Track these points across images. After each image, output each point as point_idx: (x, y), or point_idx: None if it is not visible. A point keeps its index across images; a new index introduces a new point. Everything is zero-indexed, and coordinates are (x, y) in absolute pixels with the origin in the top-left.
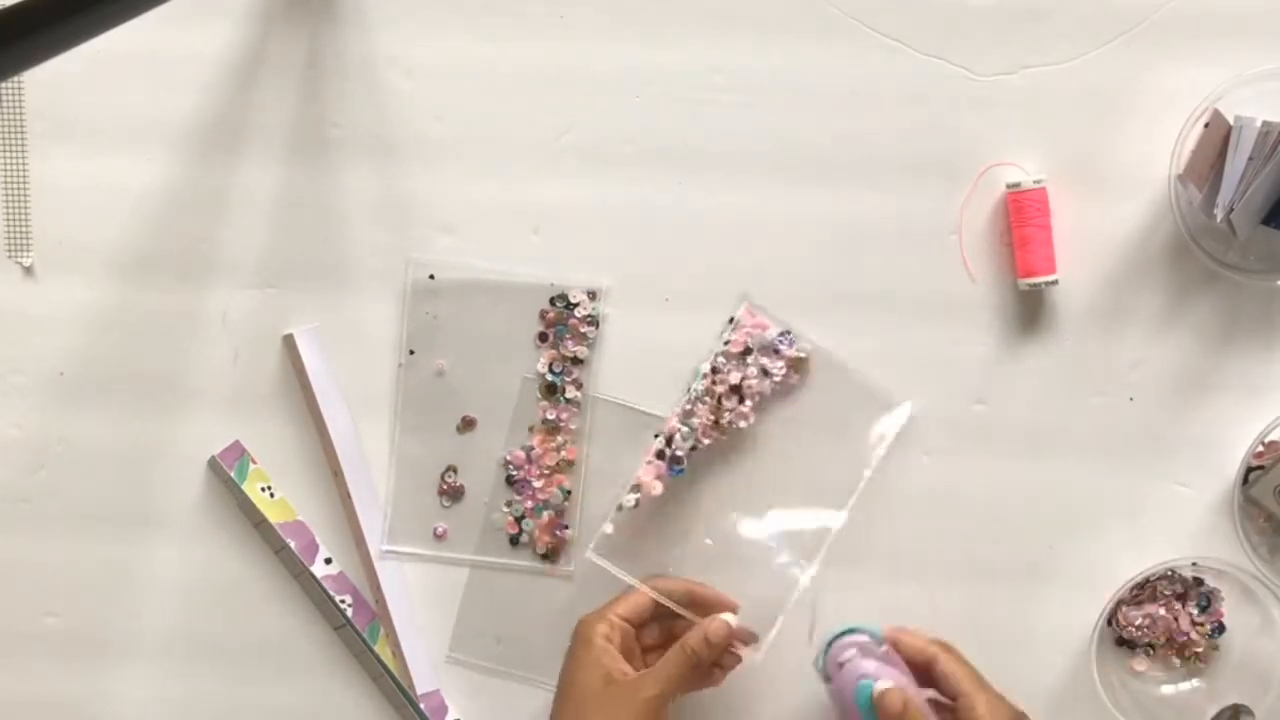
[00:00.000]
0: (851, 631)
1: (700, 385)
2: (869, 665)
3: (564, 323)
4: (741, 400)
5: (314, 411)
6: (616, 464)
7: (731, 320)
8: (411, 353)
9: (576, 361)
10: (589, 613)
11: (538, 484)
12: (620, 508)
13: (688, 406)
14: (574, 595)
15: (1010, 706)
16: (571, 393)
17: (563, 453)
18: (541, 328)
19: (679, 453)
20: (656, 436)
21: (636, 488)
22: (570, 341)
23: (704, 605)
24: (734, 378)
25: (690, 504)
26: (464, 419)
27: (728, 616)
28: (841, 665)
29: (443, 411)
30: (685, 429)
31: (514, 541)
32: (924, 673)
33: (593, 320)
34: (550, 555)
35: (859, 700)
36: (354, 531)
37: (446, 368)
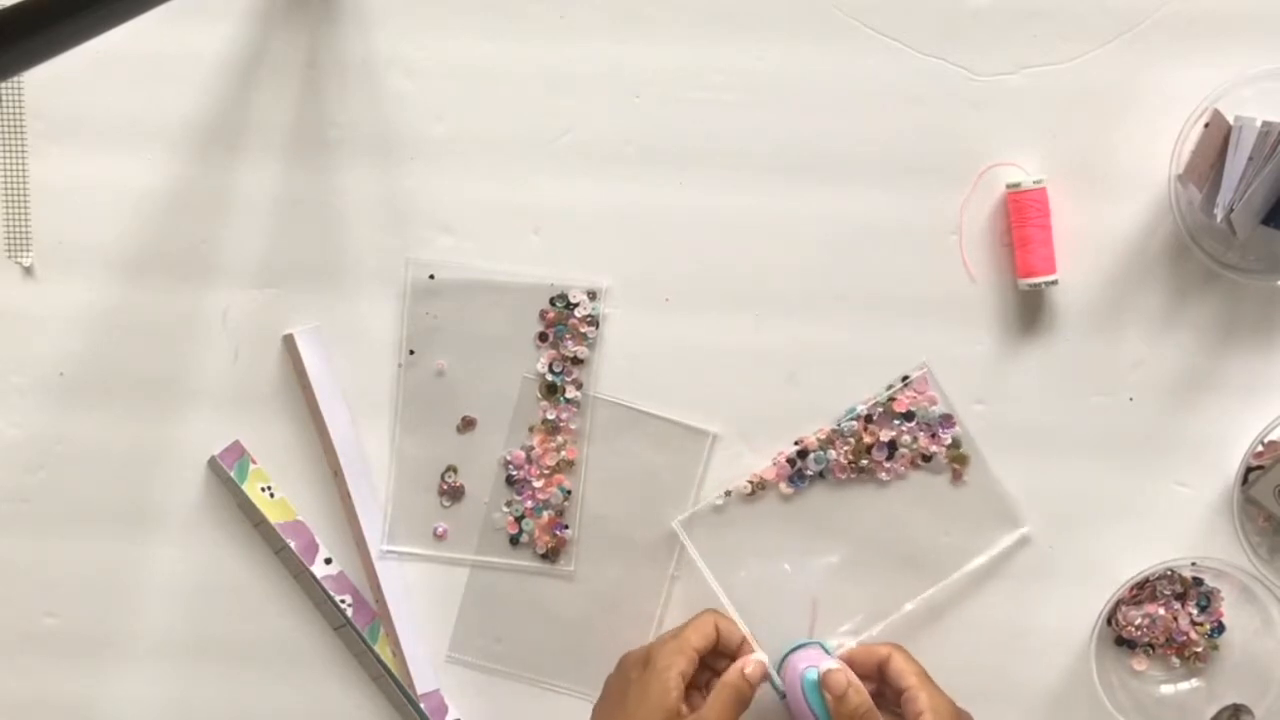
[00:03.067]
0: (804, 646)
1: (851, 424)
2: (810, 657)
3: (564, 323)
4: (891, 456)
5: (314, 411)
6: (618, 463)
7: (905, 379)
8: (411, 353)
9: (576, 361)
10: (665, 640)
11: (538, 484)
12: (729, 492)
13: (831, 433)
14: (574, 595)
15: (952, 703)
16: (571, 393)
17: (563, 453)
18: (541, 328)
19: (807, 471)
20: (796, 444)
21: (760, 485)
22: (570, 341)
23: (730, 642)
24: (885, 435)
25: (787, 523)
26: (464, 419)
27: (760, 656)
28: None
29: (443, 411)
30: (821, 453)
31: (514, 541)
32: (878, 677)
33: (593, 320)
34: (550, 555)
35: (805, 689)
36: (354, 531)
37: (446, 368)
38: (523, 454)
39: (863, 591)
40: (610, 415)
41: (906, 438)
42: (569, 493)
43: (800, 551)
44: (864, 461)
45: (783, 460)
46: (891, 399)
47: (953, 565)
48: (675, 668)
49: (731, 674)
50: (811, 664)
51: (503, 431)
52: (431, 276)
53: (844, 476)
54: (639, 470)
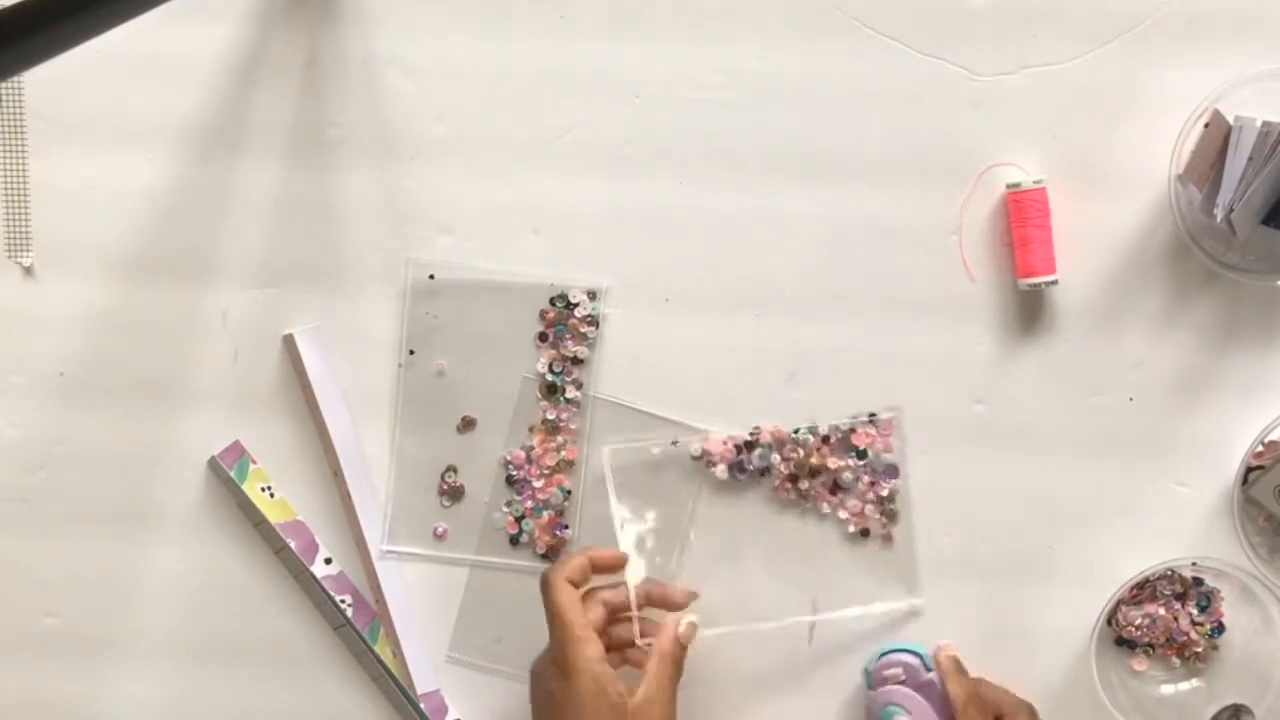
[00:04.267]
0: (905, 650)
1: (808, 437)
2: (899, 694)
3: (564, 323)
4: (834, 491)
5: (314, 411)
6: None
7: (872, 416)
8: (411, 353)
9: (576, 361)
10: (557, 636)
11: (538, 484)
12: (675, 441)
13: (787, 437)
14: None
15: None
16: (571, 393)
17: (563, 453)
18: (541, 328)
19: (749, 465)
20: (751, 433)
21: (708, 461)
22: (570, 341)
23: (662, 600)
24: (833, 462)
25: (710, 501)
26: (464, 419)
27: (691, 617)
28: (885, 680)
29: (443, 411)
30: (766, 452)
31: (514, 541)
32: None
33: (593, 320)
34: (550, 555)
35: None
36: (354, 531)
37: (446, 368)
38: (523, 454)
39: (746, 589)
40: (610, 415)
41: (849, 475)
42: (569, 493)
43: (708, 529)
44: (804, 485)
45: (730, 445)
46: (853, 430)
47: (836, 603)
48: (591, 655)
49: (665, 642)
50: (892, 700)
51: (503, 431)
52: (431, 276)
53: (780, 494)
54: None
